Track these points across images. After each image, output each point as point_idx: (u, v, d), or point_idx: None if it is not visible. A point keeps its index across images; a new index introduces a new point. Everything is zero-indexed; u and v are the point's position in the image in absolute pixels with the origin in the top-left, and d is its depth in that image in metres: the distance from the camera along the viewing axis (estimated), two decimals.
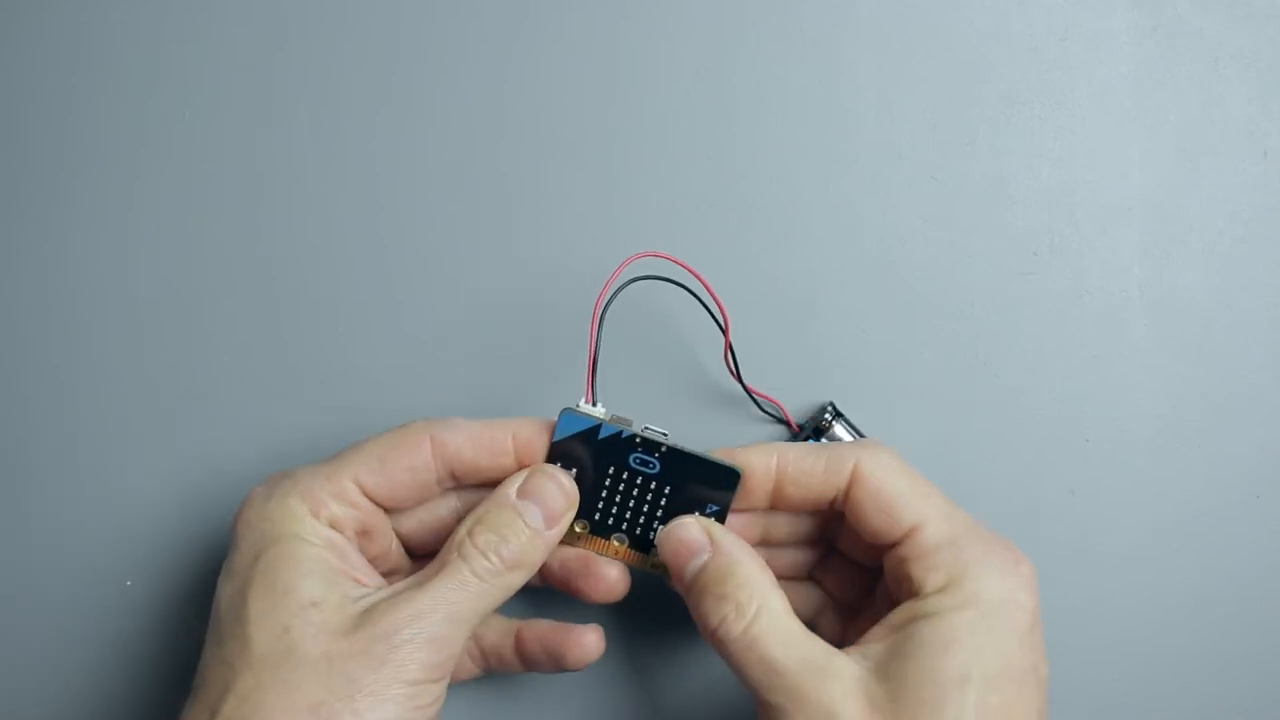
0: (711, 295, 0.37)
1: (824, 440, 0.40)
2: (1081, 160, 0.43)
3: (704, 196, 0.42)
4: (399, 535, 0.37)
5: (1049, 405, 0.42)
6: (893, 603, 0.34)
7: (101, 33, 0.43)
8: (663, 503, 0.35)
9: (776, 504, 0.35)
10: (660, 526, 0.35)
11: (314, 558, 0.33)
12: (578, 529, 0.36)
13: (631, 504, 0.35)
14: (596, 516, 0.36)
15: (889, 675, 0.31)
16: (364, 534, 0.35)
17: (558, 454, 0.35)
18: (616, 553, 0.36)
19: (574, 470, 0.35)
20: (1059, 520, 0.41)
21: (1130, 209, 0.42)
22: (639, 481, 0.35)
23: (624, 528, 0.36)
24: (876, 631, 0.32)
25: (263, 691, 0.30)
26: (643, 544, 0.36)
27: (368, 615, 0.32)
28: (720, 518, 0.35)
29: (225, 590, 0.33)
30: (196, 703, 0.32)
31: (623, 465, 0.35)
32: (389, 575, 0.37)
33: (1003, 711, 0.30)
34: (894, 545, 0.34)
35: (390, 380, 0.42)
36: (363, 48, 0.43)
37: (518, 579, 0.34)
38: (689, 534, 0.34)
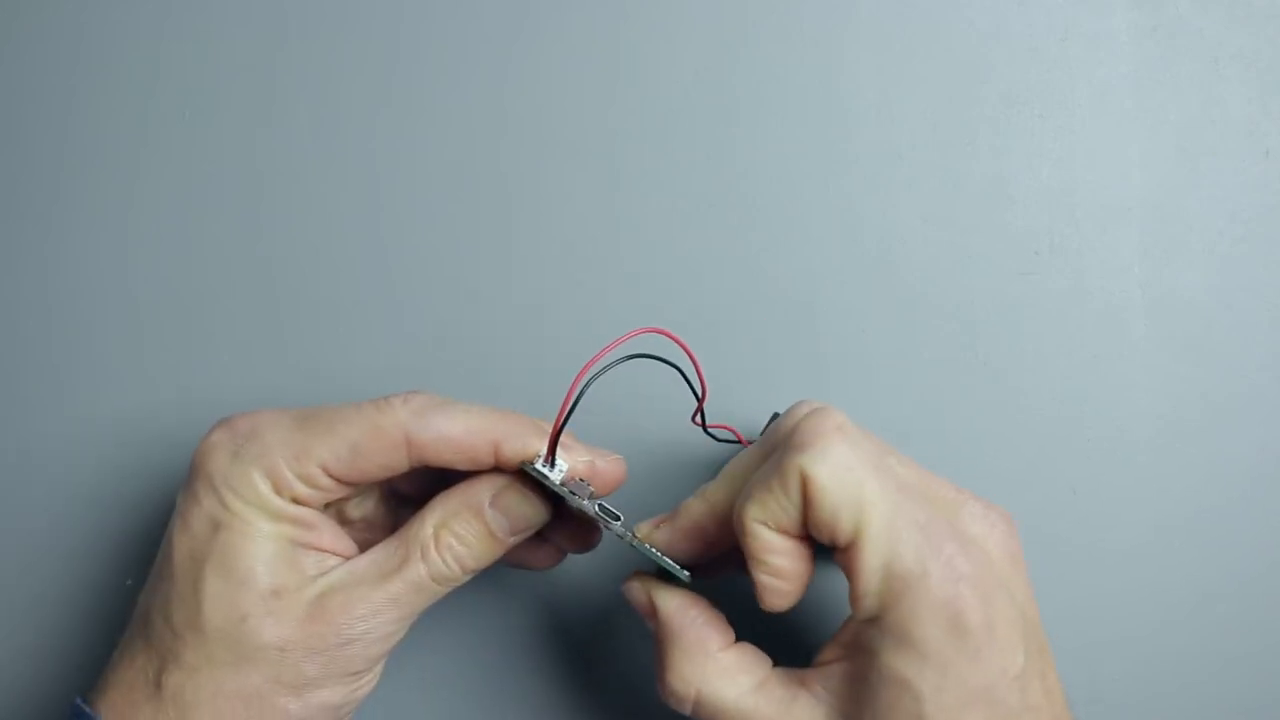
0: (698, 372, 0.34)
1: None
2: (1082, 160, 0.43)
3: (704, 196, 0.42)
4: None
5: (1049, 405, 0.42)
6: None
7: (101, 33, 0.43)
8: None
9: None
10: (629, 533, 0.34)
11: (275, 536, 0.32)
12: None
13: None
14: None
15: (857, 715, 0.31)
16: (336, 500, 0.34)
17: (529, 475, 0.34)
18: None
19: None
20: (1060, 519, 0.41)
21: (1130, 209, 0.42)
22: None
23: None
24: (831, 650, 0.32)
25: (213, 668, 0.31)
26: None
27: (323, 602, 0.32)
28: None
29: (181, 547, 0.33)
30: (141, 638, 0.33)
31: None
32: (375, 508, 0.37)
33: None
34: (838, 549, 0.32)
35: (390, 380, 0.42)
36: (363, 48, 0.43)
37: (467, 580, 0.34)
38: (636, 599, 0.34)
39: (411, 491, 0.37)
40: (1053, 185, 0.43)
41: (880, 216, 0.42)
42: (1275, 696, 0.40)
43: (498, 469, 0.34)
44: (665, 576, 0.34)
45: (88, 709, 0.32)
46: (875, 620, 0.31)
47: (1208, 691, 0.40)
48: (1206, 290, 0.42)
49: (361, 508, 0.36)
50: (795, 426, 0.32)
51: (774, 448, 0.33)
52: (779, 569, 0.32)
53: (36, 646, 0.41)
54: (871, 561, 0.30)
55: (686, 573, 0.34)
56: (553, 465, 0.33)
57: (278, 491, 0.33)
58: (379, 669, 0.34)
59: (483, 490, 0.34)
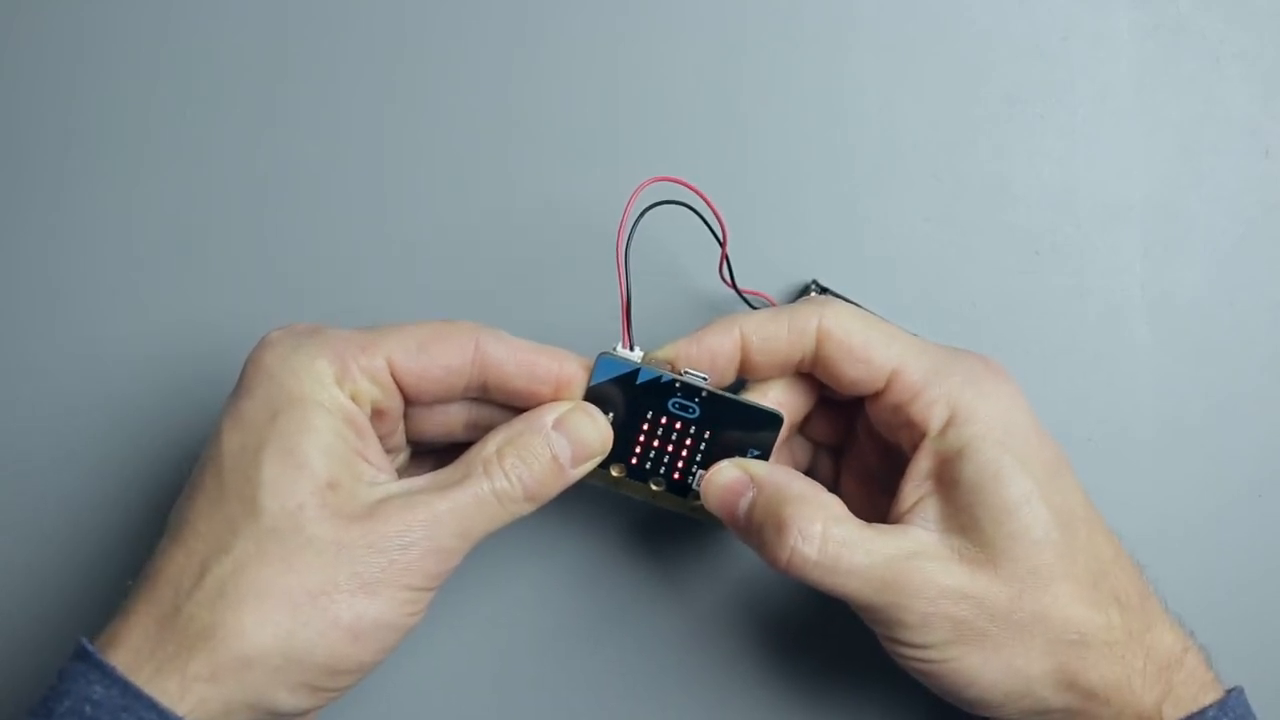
0: (714, 214, 0.37)
1: None
2: (1083, 159, 0.43)
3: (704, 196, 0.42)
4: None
5: (1050, 405, 0.41)
6: (882, 442, 0.36)
7: (102, 32, 0.43)
8: (702, 446, 0.35)
9: (745, 373, 0.35)
10: (700, 470, 0.35)
11: (334, 430, 0.31)
12: (614, 473, 0.35)
13: (670, 448, 0.35)
14: (634, 461, 0.35)
15: (964, 527, 0.32)
16: (378, 414, 0.33)
17: (593, 397, 0.34)
18: (654, 496, 0.36)
19: (610, 415, 0.34)
20: None
21: (1132, 208, 0.42)
22: (678, 426, 0.35)
23: (661, 472, 0.35)
24: (913, 488, 0.33)
25: (263, 563, 0.30)
26: (681, 488, 0.36)
27: (381, 508, 0.31)
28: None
29: (232, 440, 0.31)
30: (179, 548, 0.31)
31: (661, 410, 0.34)
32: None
33: (1065, 505, 0.32)
34: (879, 393, 0.34)
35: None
36: (363, 42, 0.43)
37: (528, 509, 0.33)
38: (728, 477, 0.34)
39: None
40: (1054, 184, 0.43)
41: (881, 216, 0.42)
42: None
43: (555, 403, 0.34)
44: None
45: (92, 647, 0.29)
46: (952, 423, 0.32)
47: None
48: (1208, 289, 0.42)
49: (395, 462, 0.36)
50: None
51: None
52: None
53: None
54: (923, 377, 0.33)
55: (782, 411, 0.34)
56: (630, 348, 0.34)
57: (339, 382, 0.32)
58: (430, 598, 0.32)
59: (545, 413, 0.34)
